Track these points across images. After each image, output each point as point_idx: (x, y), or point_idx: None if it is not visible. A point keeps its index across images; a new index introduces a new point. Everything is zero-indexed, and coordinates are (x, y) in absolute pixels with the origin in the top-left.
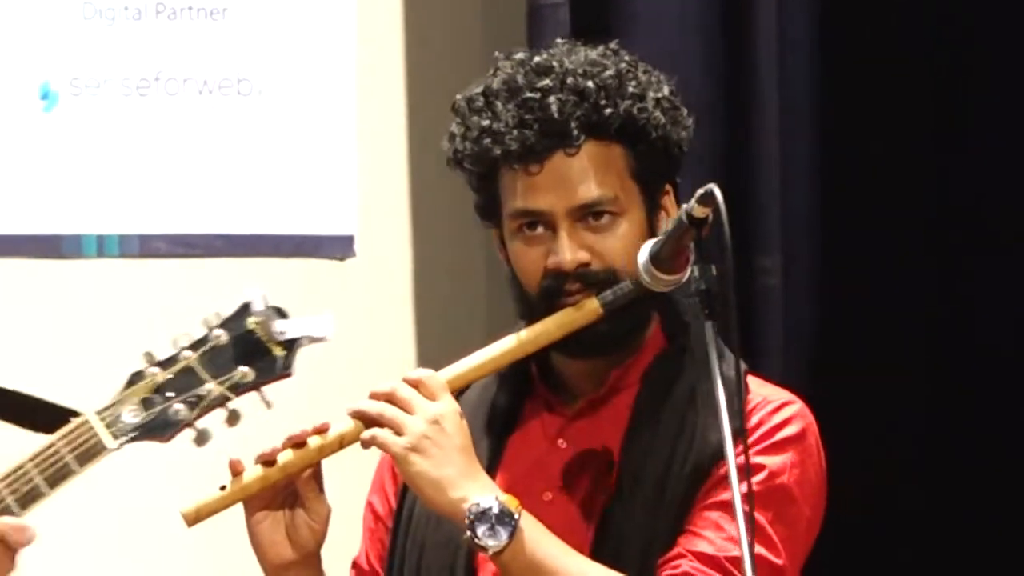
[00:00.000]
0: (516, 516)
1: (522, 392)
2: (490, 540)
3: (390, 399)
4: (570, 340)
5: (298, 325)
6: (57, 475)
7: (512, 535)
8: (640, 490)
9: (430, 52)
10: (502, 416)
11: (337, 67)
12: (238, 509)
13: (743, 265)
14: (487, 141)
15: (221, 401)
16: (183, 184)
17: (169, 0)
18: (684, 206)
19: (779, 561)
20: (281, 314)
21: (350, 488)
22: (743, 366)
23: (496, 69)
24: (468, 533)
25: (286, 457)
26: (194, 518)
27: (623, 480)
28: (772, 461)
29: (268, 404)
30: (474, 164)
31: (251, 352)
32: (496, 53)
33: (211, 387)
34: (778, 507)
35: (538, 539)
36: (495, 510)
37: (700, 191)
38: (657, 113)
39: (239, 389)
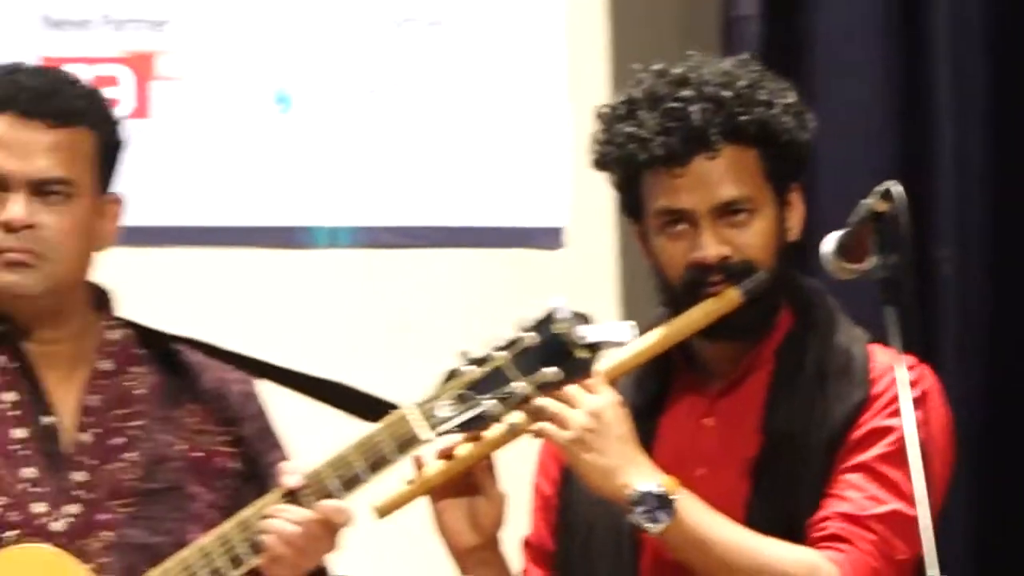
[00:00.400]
0: (675, 497)
1: (667, 377)
2: (653, 521)
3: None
4: (714, 327)
5: (599, 330)
6: (378, 463)
7: (673, 515)
8: (784, 459)
9: (634, 57)
10: (651, 401)
11: (549, 73)
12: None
13: (920, 256)
14: (633, 147)
15: (528, 398)
16: (408, 180)
17: (393, 11)
18: (865, 201)
19: (915, 514)
20: (584, 320)
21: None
22: (867, 336)
23: (637, 80)
24: (632, 516)
25: (464, 450)
26: (384, 511)
27: (767, 451)
28: (900, 422)
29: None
30: (620, 167)
31: (556, 354)
32: (634, 65)
33: (521, 385)
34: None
35: (697, 515)
36: (656, 493)
37: (881, 187)
38: (786, 118)
39: (546, 388)
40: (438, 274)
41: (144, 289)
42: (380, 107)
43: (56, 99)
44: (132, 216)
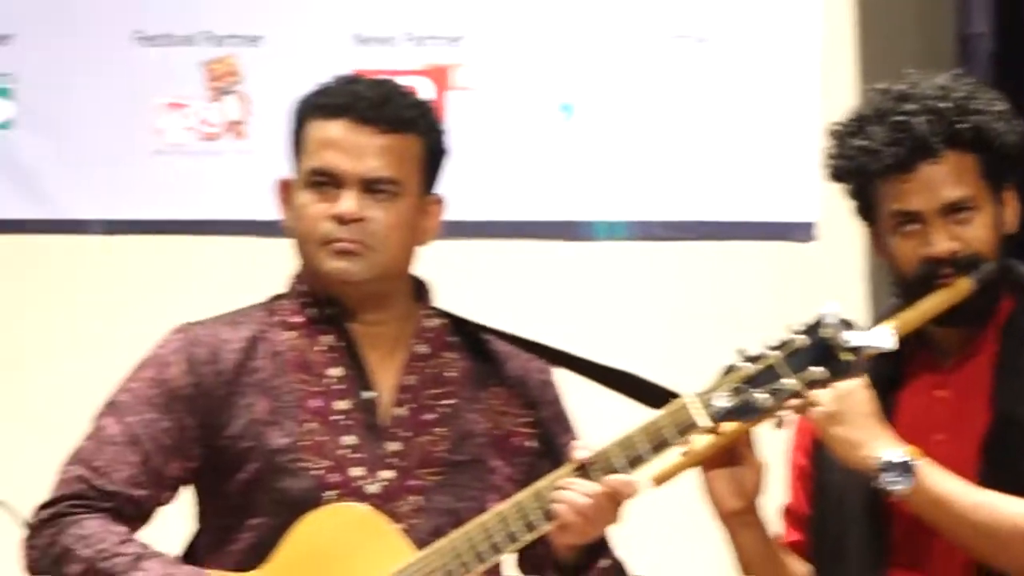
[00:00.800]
0: (917, 464)
1: (901, 357)
2: (898, 487)
3: None
4: (947, 314)
5: (863, 336)
6: (660, 445)
7: (915, 479)
8: (1013, 425)
9: (878, 70)
10: (889, 378)
11: (804, 84)
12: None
13: None
14: (865, 158)
15: (797, 394)
16: (677, 178)
17: (666, 29)
18: None
19: None
20: (849, 326)
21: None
22: None
23: (864, 99)
24: (878, 481)
25: (728, 426)
26: (661, 480)
27: (997, 430)
28: None
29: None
30: (854, 177)
31: (823, 356)
32: (864, 86)
33: (791, 382)
34: None
35: (937, 480)
36: (899, 460)
37: None
38: (998, 125)
39: (814, 385)
40: (702, 264)
41: (441, 277)
42: (653, 113)
43: (389, 108)
44: None
